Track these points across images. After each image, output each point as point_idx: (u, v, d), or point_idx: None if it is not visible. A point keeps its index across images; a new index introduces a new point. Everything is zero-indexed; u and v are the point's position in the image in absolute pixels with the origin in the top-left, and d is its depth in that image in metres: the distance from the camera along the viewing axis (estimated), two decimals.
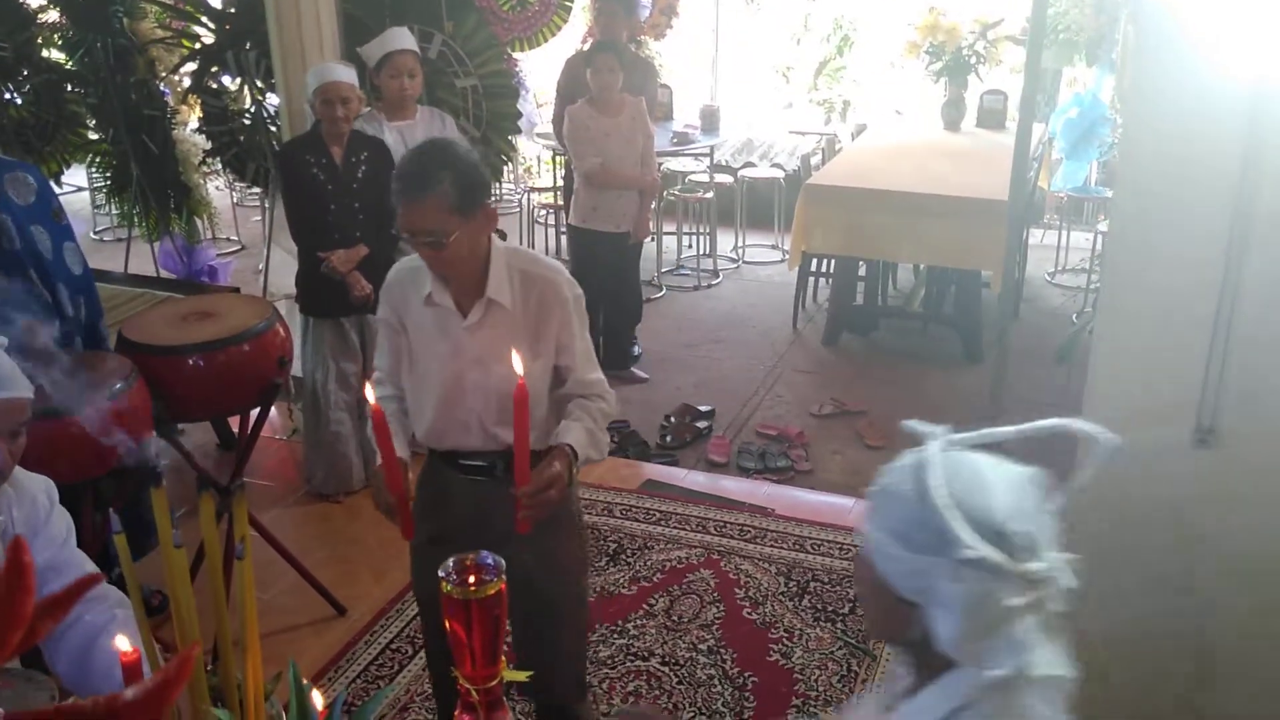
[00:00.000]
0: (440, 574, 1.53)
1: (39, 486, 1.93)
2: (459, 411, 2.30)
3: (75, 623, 1.79)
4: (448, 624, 1.53)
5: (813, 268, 6.40)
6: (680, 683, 3.27)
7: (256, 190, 6.68)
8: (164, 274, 5.49)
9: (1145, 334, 2.17)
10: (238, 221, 8.02)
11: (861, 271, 6.15)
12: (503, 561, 1.56)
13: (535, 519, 2.11)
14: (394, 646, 3.44)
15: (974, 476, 1.27)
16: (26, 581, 0.42)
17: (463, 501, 2.39)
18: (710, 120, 7.41)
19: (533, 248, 7.30)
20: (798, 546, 3.95)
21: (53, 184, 3.88)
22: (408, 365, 2.35)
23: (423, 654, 3.38)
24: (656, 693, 3.23)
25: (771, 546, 3.96)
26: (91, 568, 1.94)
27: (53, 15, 5.51)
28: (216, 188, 7.07)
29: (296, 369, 4.11)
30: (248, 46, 4.73)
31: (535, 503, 2.09)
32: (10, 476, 1.81)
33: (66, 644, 1.77)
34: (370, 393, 2.10)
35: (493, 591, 1.51)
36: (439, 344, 2.29)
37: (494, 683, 1.57)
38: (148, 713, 0.43)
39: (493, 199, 2.33)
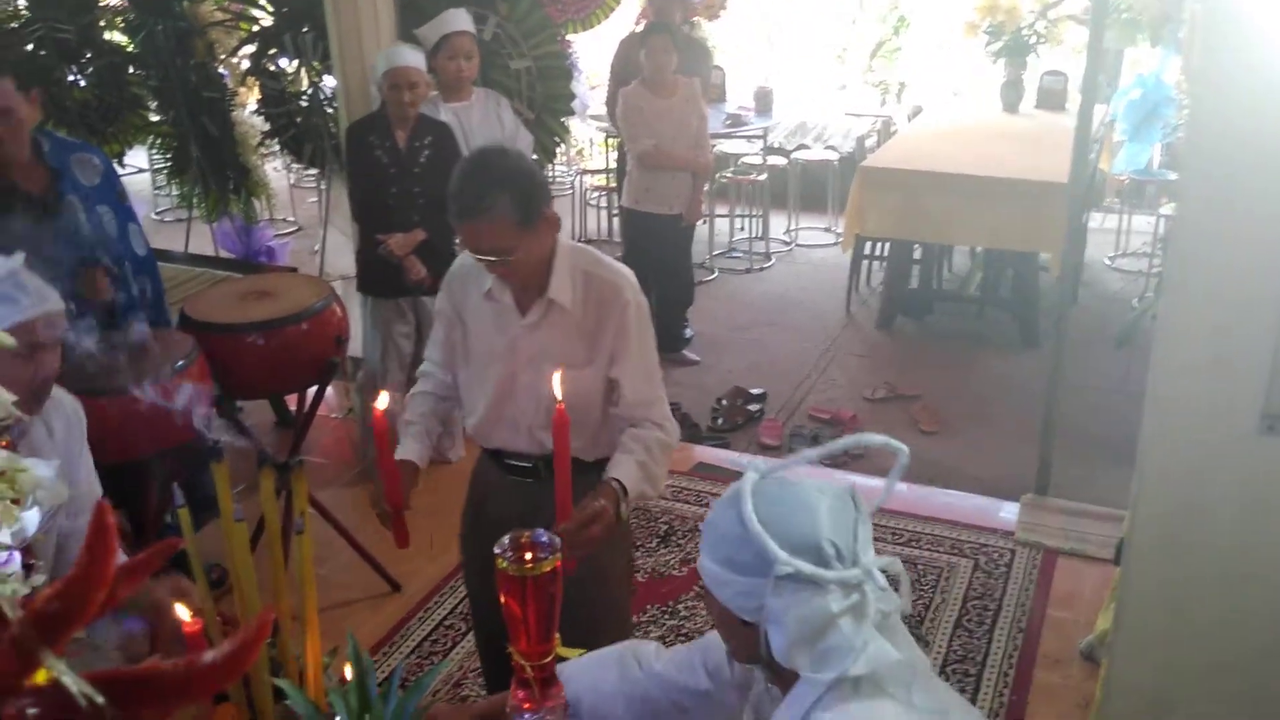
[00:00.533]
0: (496, 550, 1.54)
1: (76, 408, 2.03)
2: (508, 410, 2.26)
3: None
4: (503, 600, 1.54)
5: (866, 251, 6.34)
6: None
7: (313, 172, 6.75)
8: (223, 254, 5.57)
9: (1211, 318, 2.12)
10: (294, 202, 8.11)
11: (916, 254, 6.09)
12: (557, 540, 1.57)
13: (580, 559, 1.95)
14: (447, 623, 3.48)
15: (786, 499, 1.38)
16: (110, 543, 0.43)
17: (508, 501, 2.35)
18: (764, 102, 7.35)
19: (585, 229, 7.32)
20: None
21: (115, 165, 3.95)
22: (462, 359, 2.31)
23: None
24: None
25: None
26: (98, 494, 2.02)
27: None
28: (274, 169, 7.15)
29: (353, 349, 4.16)
30: (305, 29, 4.76)
31: (577, 541, 1.94)
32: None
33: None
34: (382, 400, 2.00)
35: (548, 569, 1.52)
36: (495, 340, 2.24)
37: (548, 659, 1.58)
38: (227, 675, 0.44)
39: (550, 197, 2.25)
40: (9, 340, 1.12)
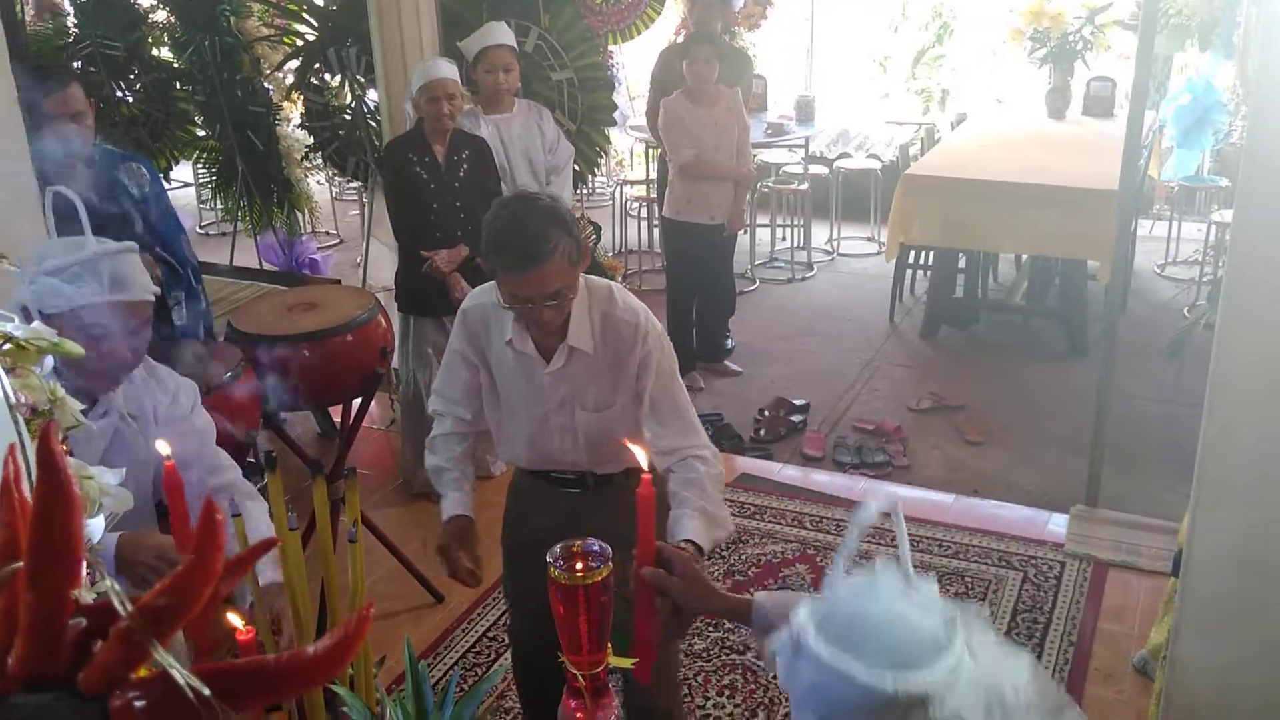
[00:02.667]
0: (548, 560, 1.53)
1: (181, 386, 2.16)
2: (544, 445, 2.28)
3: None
4: (555, 609, 1.53)
5: (910, 260, 6.29)
6: (775, 677, 3.24)
7: (355, 185, 6.82)
8: (267, 267, 5.63)
9: (1272, 327, 2.08)
10: (336, 215, 8.18)
11: (961, 263, 6.03)
12: (609, 548, 1.55)
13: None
14: (490, 635, 3.47)
15: (864, 620, 1.17)
16: (219, 540, 0.43)
17: (554, 510, 2.35)
18: (805, 111, 7.33)
19: (625, 241, 7.32)
20: (896, 543, 3.88)
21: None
22: (491, 400, 2.31)
23: None
24: (752, 686, 3.20)
25: (869, 543, 3.88)
26: (230, 463, 2.16)
27: (162, 15, 5.68)
28: (317, 182, 7.22)
29: (396, 360, 4.18)
30: (349, 43, 4.81)
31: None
32: (147, 368, 2.08)
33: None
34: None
35: (600, 578, 1.51)
36: (522, 385, 2.24)
37: (600, 669, 1.57)
38: (330, 668, 0.44)
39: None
40: (78, 350, 1.13)
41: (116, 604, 0.43)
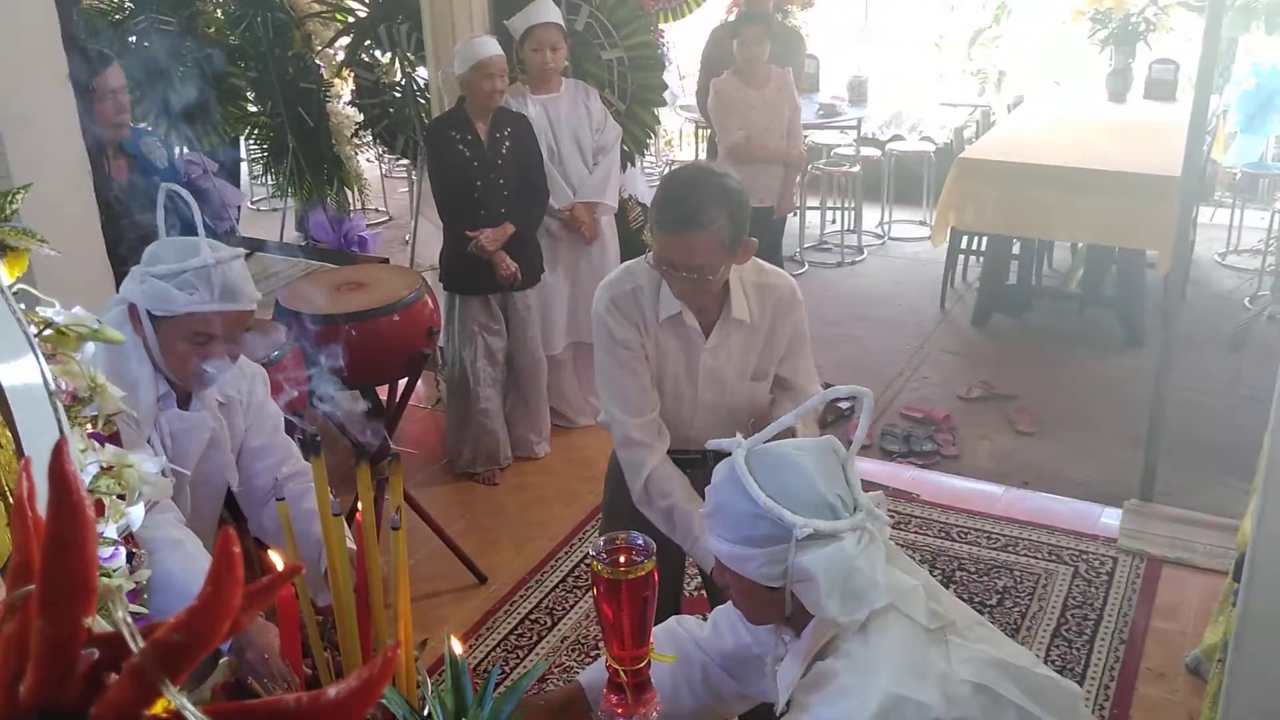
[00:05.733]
0: (591, 553, 1.51)
1: (257, 374, 2.23)
2: (684, 427, 2.29)
3: (280, 491, 2.07)
4: (598, 604, 1.51)
5: (963, 245, 6.19)
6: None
7: (404, 162, 6.82)
8: (317, 244, 5.65)
9: None
10: (385, 193, 8.20)
11: (1015, 250, 5.91)
12: (653, 543, 1.53)
13: None
14: (533, 617, 3.47)
15: (780, 466, 1.48)
16: (236, 573, 0.40)
17: None
18: (858, 92, 7.23)
19: None
20: (943, 534, 3.83)
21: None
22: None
23: (561, 625, 3.40)
24: None
25: (916, 533, 3.84)
26: (296, 452, 2.22)
27: None
28: (367, 159, 7.24)
29: (443, 339, 4.17)
30: (399, 20, 4.80)
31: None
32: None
33: (270, 510, 2.12)
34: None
35: (644, 572, 1.48)
36: (677, 364, 2.25)
37: (642, 664, 1.54)
38: (351, 712, 0.41)
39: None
40: (117, 336, 1.12)
41: (128, 638, 0.41)
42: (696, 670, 1.77)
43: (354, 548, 1.62)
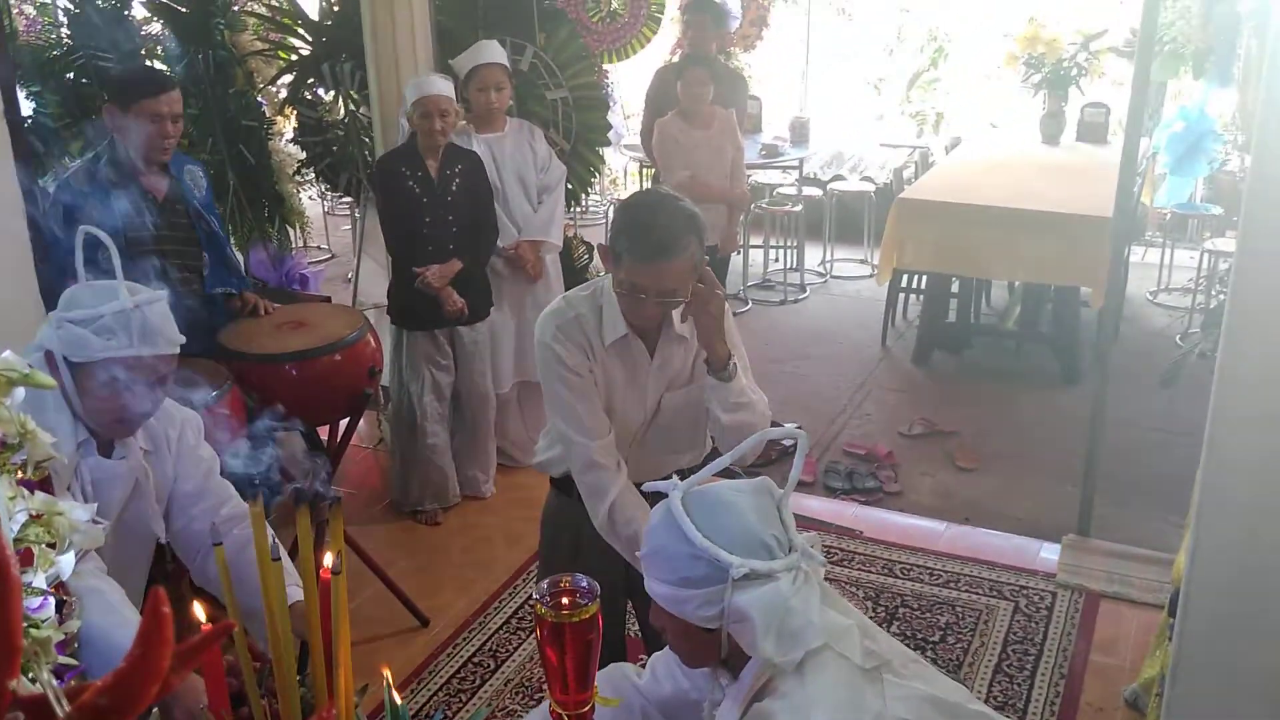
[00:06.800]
0: (535, 596, 1.50)
1: (187, 419, 2.17)
2: (641, 453, 2.32)
3: (224, 538, 1.97)
4: (541, 647, 1.50)
5: (903, 284, 6.28)
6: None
7: (347, 200, 6.78)
8: (256, 282, 5.58)
9: (1276, 364, 2.05)
10: (328, 230, 8.15)
11: (954, 288, 6.02)
12: (597, 585, 1.52)
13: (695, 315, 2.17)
14: (476, 660, 3.43)
15: (715, 507, 1.51)
16: (166, 634, 0.39)
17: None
18: (799, 132, 7.33)
19: None
20: (886, 571, 3.85)
21: None
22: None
23: (505, 668, 3.36)
24: None
25: (859, 570, 3.86)
26: (234, 494, 2.15)
27: (156, 27, 5.64)
28: (309, 197, 7.19)
29: (386, 378, 4.13)
30: (343, 58, 4.78)
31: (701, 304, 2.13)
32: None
33: (212, 557, 2.04)
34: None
35: (587, 616, 1.47)
36: (625, 390, 2.27)
37: (586, 708, 1.53)
38: (136, 690, 0.39)
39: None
40: (48, 381, 1.09)
41: (54, 702, 0.40)
42: (637, 716, 1.77)
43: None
